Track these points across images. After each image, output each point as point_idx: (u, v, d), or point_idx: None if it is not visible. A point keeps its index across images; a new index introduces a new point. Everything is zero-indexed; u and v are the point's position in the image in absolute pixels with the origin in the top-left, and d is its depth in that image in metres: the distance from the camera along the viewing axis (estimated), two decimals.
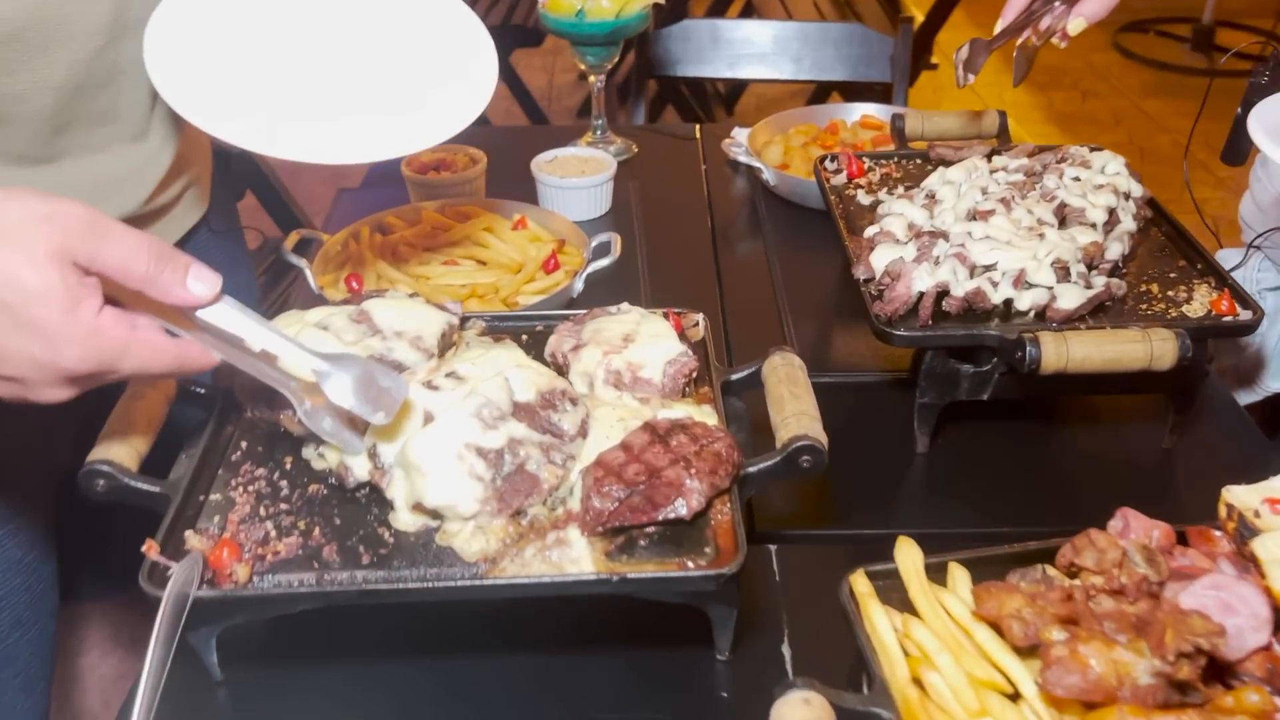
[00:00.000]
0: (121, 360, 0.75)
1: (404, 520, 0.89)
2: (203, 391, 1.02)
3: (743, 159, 1.73)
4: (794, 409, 0.94)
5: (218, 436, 0.99)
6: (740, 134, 1.81)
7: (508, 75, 4.20)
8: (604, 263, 1.43)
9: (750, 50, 2.53)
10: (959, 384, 1.14)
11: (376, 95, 1.14)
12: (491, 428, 0.90)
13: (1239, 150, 1.53)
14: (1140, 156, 4.58)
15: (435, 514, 0.88)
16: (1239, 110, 1.52)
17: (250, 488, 0.93)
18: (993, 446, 1.20)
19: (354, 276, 1.43)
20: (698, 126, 2.03)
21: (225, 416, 1.01)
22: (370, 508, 0.91)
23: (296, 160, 1.05)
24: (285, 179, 2.56)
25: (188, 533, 0.88)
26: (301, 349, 0.86)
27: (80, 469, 0.90)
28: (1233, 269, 1.57)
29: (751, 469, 0.91)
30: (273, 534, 0.88)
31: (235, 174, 1.60)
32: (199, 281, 0.78)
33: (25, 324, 0.71)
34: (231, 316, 0.82)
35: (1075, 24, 1.28)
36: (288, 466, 0.96)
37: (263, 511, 0.91)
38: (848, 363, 1.35)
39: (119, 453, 0.92)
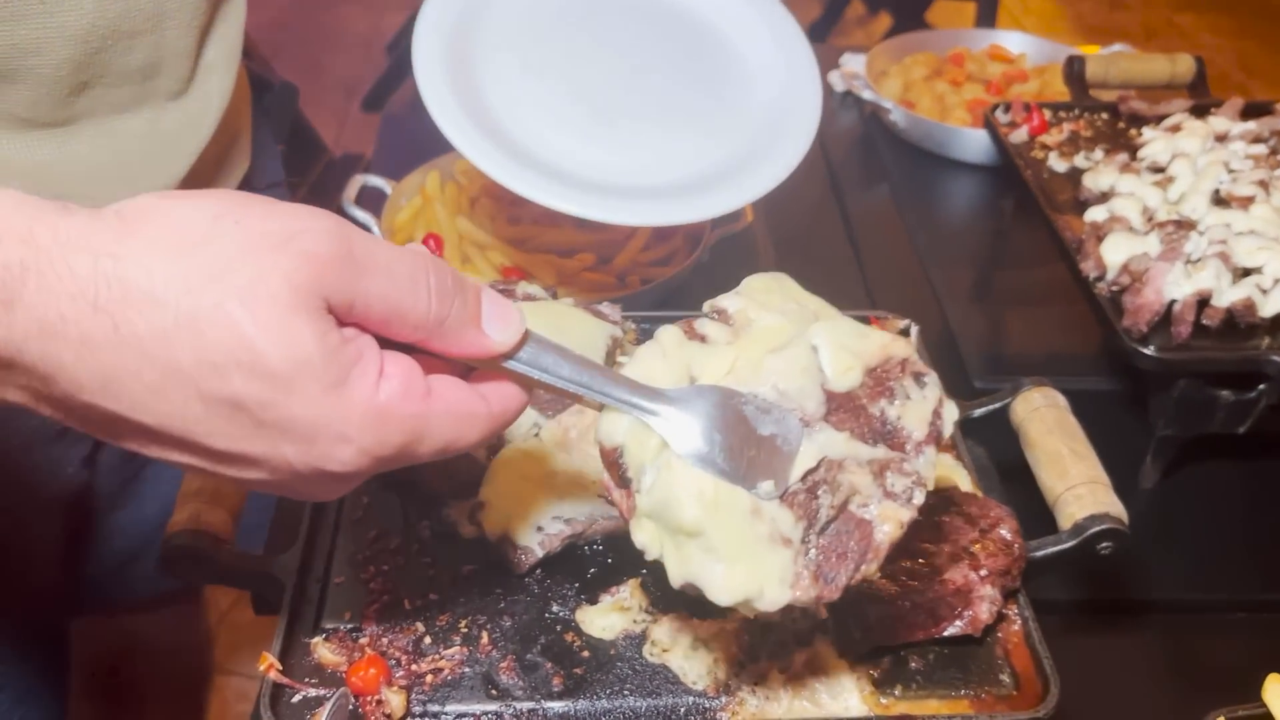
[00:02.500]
0: (420, 445, 0.50)
1: (600, 625, 0.68)
2: None
3: (867, 95, 1.49)
4: (1081, 475, 0.74)
5: None
6: (854, 61, 1.56)
7: None
8: (733, 228, 1.19)
9: None
10: (1214, 414, 0.93)
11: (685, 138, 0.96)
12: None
13: None
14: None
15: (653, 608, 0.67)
16: None
17: (385, 567, 0.71)
18: (1232, 482, 1.01)
19: (432, 237, 1.18)
20: None
21: None
22: (548, 601, 0.70)
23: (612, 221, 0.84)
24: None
25: (315, 641, 0.66)
26: (634, 393, 0.55)
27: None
28: None
29: (1036, 554, 0.71)
30: (427, 640, 0.67)
31: (275, 108, 1.32)
32: (498, 321, 0.52)
33: (269, 424, 0.47)
34: (542, 358, 0.54)
35: None
36: (426, 535, 0.74)
37: (407, 605, 0.69)
38: (1031, 363, 1.14)
39: (212, 517, 0.69)
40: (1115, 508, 0.72)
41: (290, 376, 0.45)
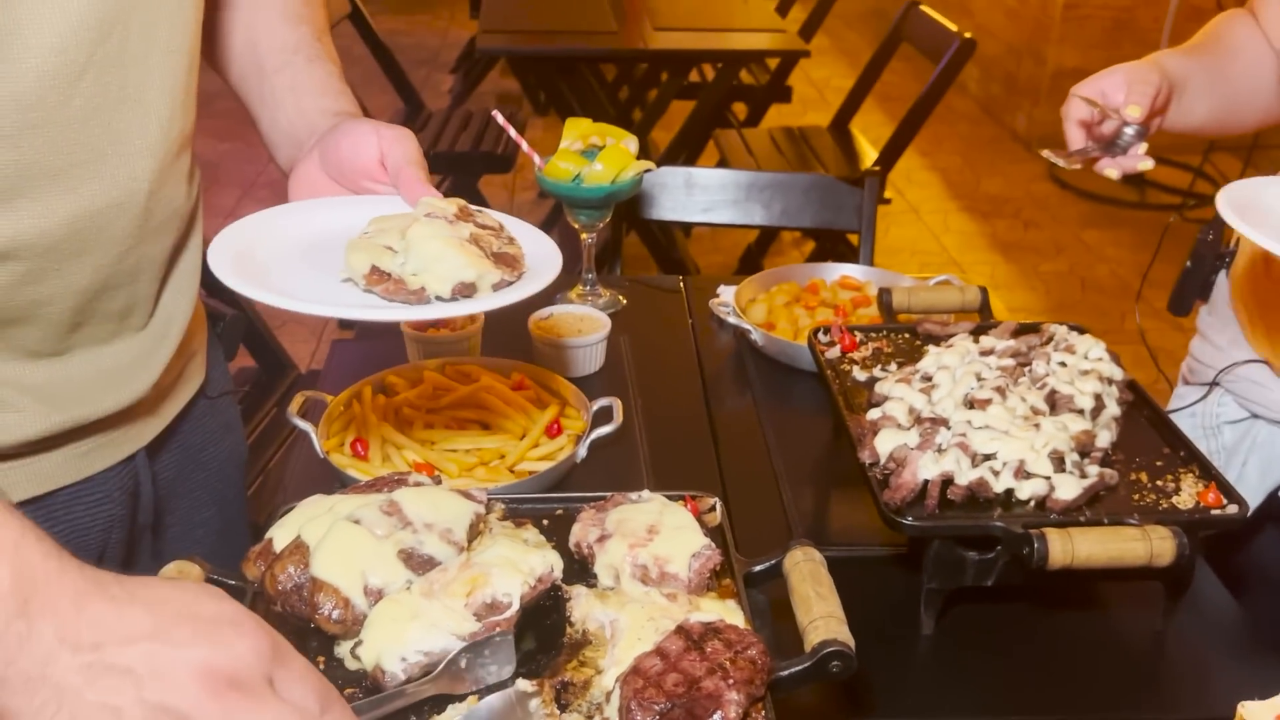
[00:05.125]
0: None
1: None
2: (233, 583, 1.03)
3: (731, 320, 1.79)
4: (821, 611, 0.97)
5: None
6: (726, 293, 1.88)
7: (475, 198, 4.29)
8: (607, 429, 1.46)
9: (724, 197, 2.62)
10: (965, 570, 1.18)
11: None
12: None
13: (1185, 301, 1.62)
14: (1081, 286, 4.79)
15: None
16: (1187, 263, 1.61)
17: None
18: (995, 629, 1.24)
19: (359, 441, 1.44)
20: (681, 279, 2.10)
21: (254, 610, 1.01)
22: (408, 715, 0.91)
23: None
24: (271, 325, 2.58)
25: None
26: None
27: None
28: (1193, 403, 1.63)
29: (782, 673, 0.94)
30: None
31: (226, 335, 1.61)
32: None
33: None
34: None
35: (1145, 163, 1.36)
36: (321, 666, 0.96)
37: None
38: (846, 535, 1.39)
39: None
40: (843, 634, 0.95)
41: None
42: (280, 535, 1.04)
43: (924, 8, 4.07)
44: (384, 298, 1.01)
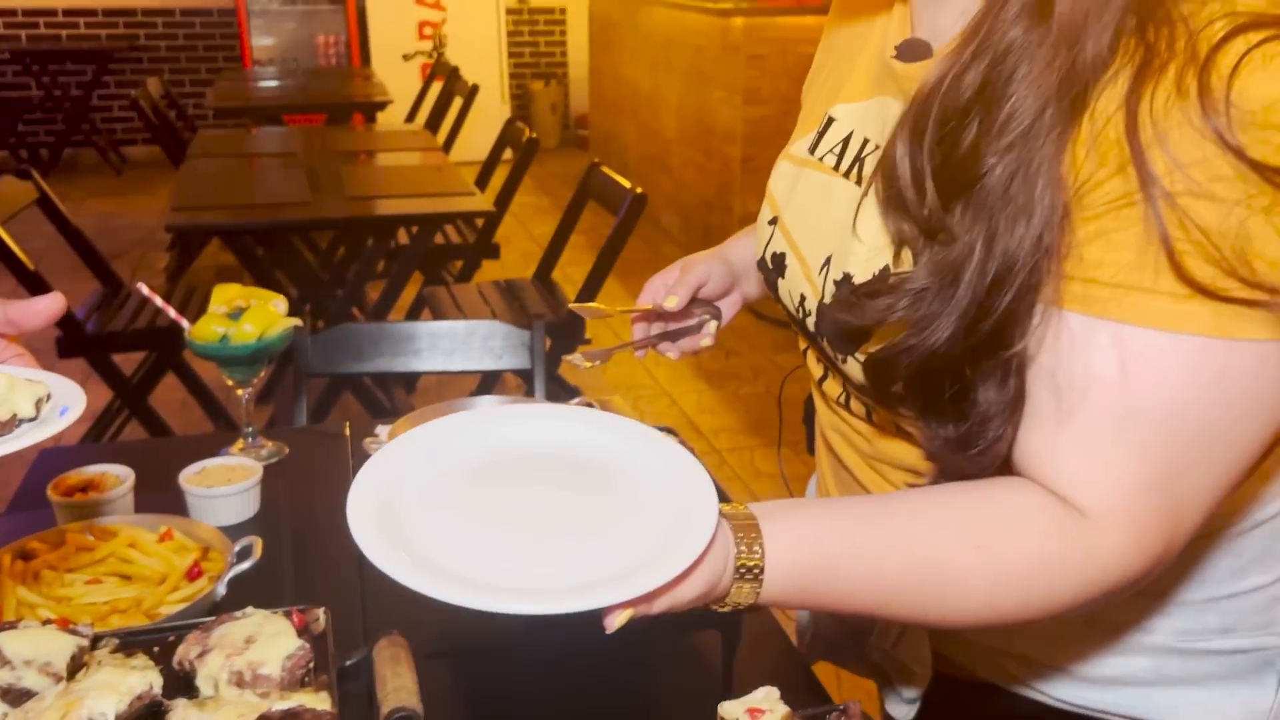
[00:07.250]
0: None
1: None
2: None
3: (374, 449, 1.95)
4: (394, 685, 1.12)
5: None
6: (382, 431, 2.03)
7: (184, 370, 4.27)
8: (244, 566, 1.56)
9: (408, 348, 2.80)
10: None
11: None
12: None
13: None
14: (776, 403, 5.26)
15: None
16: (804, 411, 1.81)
17: None
18: (585, 689, 1.41)
19: None
20: (347, 425, 2.24)
21: None
22: None
23: None
24: None
25: None
26: None
27: None
28: None
29: None
30: None
31: None
32: None
33: None
34: None
35: (707, 341, 1.51)
36: None
37: None
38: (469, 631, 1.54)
39: None
40: (412, 701, 1.09)
41: None
42: None
43: (604, 169, 4.51)
44: None
